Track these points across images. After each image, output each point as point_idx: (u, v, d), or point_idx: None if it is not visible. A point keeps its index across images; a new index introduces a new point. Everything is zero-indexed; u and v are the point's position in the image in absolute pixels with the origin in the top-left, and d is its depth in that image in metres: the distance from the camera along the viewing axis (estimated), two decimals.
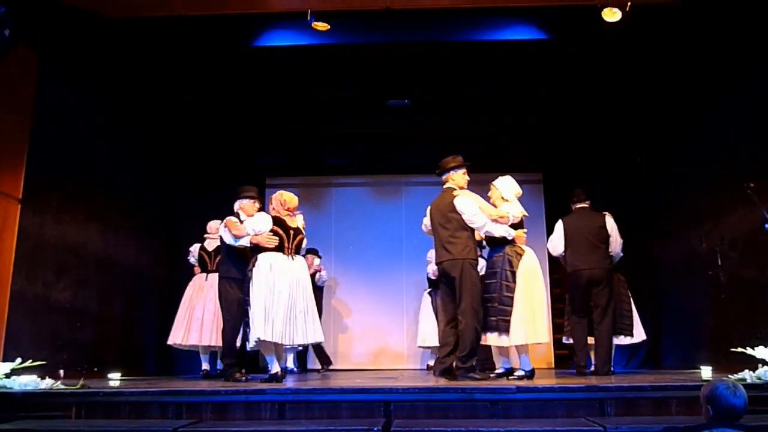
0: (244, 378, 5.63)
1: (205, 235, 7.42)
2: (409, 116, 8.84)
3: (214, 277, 6.85)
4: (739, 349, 4.76)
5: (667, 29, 6.45)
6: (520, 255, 5.63)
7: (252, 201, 5.97)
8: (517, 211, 5.73)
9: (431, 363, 8.45)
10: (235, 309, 5.78)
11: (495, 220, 5.52)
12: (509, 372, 5.74)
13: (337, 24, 6.22)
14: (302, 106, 8.64)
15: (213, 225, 7.28)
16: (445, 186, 5.76)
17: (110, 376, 6.44)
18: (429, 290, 8.50)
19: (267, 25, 6.84)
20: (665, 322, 8.21)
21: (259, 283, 5.32)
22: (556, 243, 6.44)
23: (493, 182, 5.96)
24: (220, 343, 6.61)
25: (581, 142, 9.13)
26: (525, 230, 5.88)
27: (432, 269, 8.33)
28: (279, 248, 5.50)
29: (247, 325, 5.32)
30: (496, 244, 5.69)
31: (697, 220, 7.19)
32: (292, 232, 5.63)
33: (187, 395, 4.23)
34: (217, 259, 6.84)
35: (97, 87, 7.00)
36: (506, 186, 5.88)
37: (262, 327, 5.20)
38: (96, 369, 6.59)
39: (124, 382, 5.69)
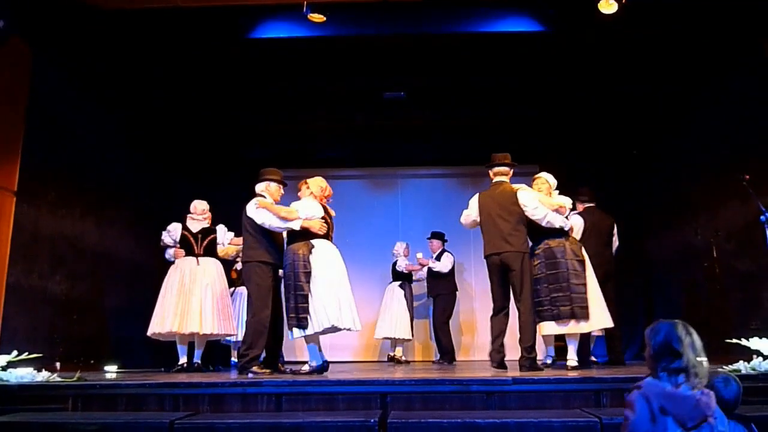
0: (265, 371, 5.30)
1: (189, 216, 6.91)
2: (405, 109, 8.83)
3: (205, 261, 6.67)
4: (734, 340, 4.79)
5: (663, 22, 6.45)
6: (580, 247, 5.74)
7: (279, 185, 5.90)
8: (569, 202, 5.86)
9: (392, 354, 8.55)
10: (269, 296, 5.49)
11: (556, 210, 5.62)
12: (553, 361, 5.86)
13: (333, 16, 6.19)
14: (298, 98, 8.61)
15: (199, 206, 6.94)
16: (495, 179, 5.87)
17: (107, 368, 6.44)
18: (400, 283, 8.55)
19: (262, 16, 6.80)
20: (660, 313, 8.24)
21: (321, 270, 5.33)
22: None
23: (540, 174, 6.04)
24: (222, 331, 6.53)
25: (577, 135, 9.13)
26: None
27: (404, 263, 8.44)
28: (325, 235, 5.53)
29: (292, 311, 5.26)
30: (553, 234, 5.69)
31: (692, 213, 7.22)
32: (331, 220, 5.71)
33: (184, 387, 4.24)
34: (205, 242, 6.72)
35: (92, 79, 6.97)
36: (552, 178, 5.97)
37: (336, 314, 5.24)
38: (92, 361, 6.60)
39: (121, 375, 5.69)
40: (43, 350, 5.18)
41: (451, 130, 9.40)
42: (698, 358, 2.58)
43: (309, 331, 5.24)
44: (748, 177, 4.95)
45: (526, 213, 5.58)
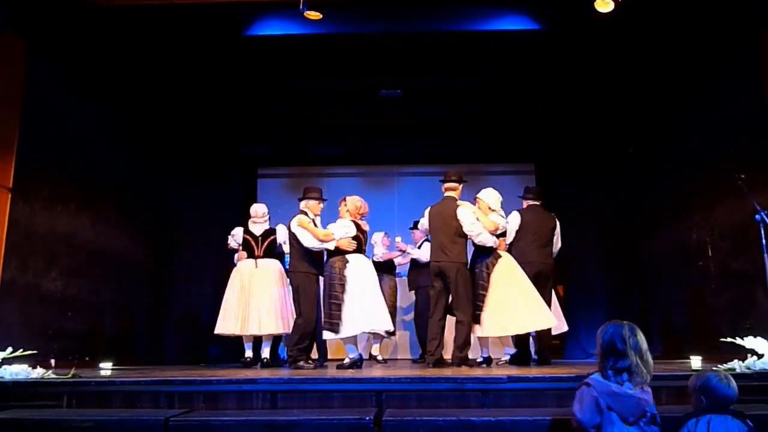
0: (312, 365, 5.95)
1: (251, 220, 7.08)
2: (402, 107, 8.83)
3: (264, 263, 6.89)
4: (729, 339, 4.80)
5: (659, 21, 6.46)
6: (497, 259, 6.11)
7: (318, 202, 6.36)
8: (503, 221, 6.28)
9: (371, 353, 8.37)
10: (314, 301, 6.10)
11: (492, 231, 6.03)
12: (488, 360, 6.16)
13: (330, 13, 6.19)
14: (294, 95, 8.61)
15: (260, 209, 7.10)
16: (446, 194, 6.28)
17: (101, 365, 6.39)
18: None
19: (259, 13, 6.80)
20: (655, 312, 8.26)
21: (354, 282, 6.02)
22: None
23: (479, 195, 6.35)
24: (281, 331, 6.76)
25: (573, 133, 9.14)
26: (504, 238, 6.36)
27: (381, 252, 8.22)
28: (357, 249, 6.19)
29: (330, 317, 5.93)
30: (483, 252, 6.13)
31: (687, 211, 7.23)
32: (364, 235, 6.33)
33: (179, 385, 4.23)
34: (265, 244, 6.91)
35: (88, 75, 6.96)
36: (492, 197, 6.28)
37: (363, 321, 6.00)
38: (87, 358, 6.58)
39: (116, 372, 5.67)
40: (38, 347, 5.15)
41: (448, 128, 9.40)
42: (641, 359, 2.77)
43: (340, 336, 5.97)
44: (743, 176, 4.97)
45: (463, 228, 5.98)
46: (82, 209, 6.78)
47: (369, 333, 6.71)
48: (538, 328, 6.14)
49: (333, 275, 6.04)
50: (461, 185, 6.34)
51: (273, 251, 7.00)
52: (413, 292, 8.14)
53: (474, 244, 6.12)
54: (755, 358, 4.35)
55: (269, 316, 6.71)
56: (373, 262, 8.29)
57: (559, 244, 6.79)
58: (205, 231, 8.86)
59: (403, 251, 8.13)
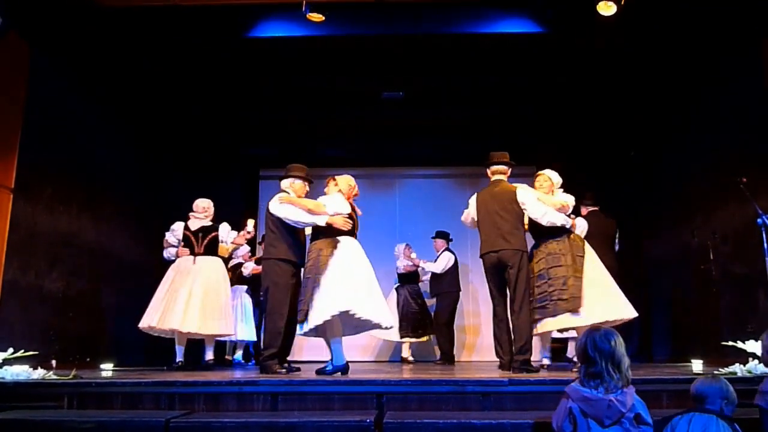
0: (284, 371, 5.34)
1: (191, 214, 6.85)
2: (403, 109, 8.83)
3: (202, 260, 6.61)
4: (730, 343, 4.80)
5: (661, 23, 6.46)
6: (579, 239, 5.70)
7: (304, 182, 5.80)
8: (571, 200, 5.76)
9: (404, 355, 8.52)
10: (288, 294, 5.39)
11: (559, 209, 5.54)
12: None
13: (332, 15, 6.19)
14: (296, 97, 8.61)
15: (201, 203, 6.89)
16: (495, 177, 5.80)
17: (102, 366, 6.43)
18: (397, 285, 8.55)
19: (261, 15, 6.80)
20: (656, 315, 8.25)
21: (342, 263, 5.19)
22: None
23: (543, 171, 5.95)
24: (207, 332, 6.43)
25: (575, 136, 9.14)
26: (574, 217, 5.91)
27: (404, 264, 8.37)
28: (350, 232, 5.46)
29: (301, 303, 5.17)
30: (554, 233, 5.63)
31: (689, 214, 7.22)
32: (356, 220, 5.65)
33: (180, 386, 4.23)
34: (206, 240, 6.67)
35: (90, 76, 6.97)
36: (556, 176, 5.91)
37: (346, 298, 5.04)
38: (88, 359, 6.59)
39: (117, 373, 5.68)
40: (39, 348, 5.16)
41: (450, 130, 9.41)
42: (613, 364, 2.78)
43: (308, 326, 5.07)
44: (745, 180, 4.96)
45: (526, 212, 5.55)
46: (83, 210, 6.79)
47: (371, 333, 6.03)
48: (628, 317, 5.63)
49: (319, 260, 5.19)
50: (510, 169, 5.86)
51: (214, 249, 6.74)
52: (435, 298, 8.29)
53: (536, 228, 5.65)
54: (756, 361, 4.35)
55: (197, 312, 6.29)
56: (397, 273, 8.47)
57: (618, 246, 6.81)
58: None
59: (417, 266, 8.28)
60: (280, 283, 5.39)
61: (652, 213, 8.41)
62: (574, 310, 5.36)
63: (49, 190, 6.14)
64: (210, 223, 6.85)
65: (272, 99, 8.62)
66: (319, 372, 5.12)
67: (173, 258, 6.79)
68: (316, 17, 6.08)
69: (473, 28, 6.92)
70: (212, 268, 6.67)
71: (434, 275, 8.19)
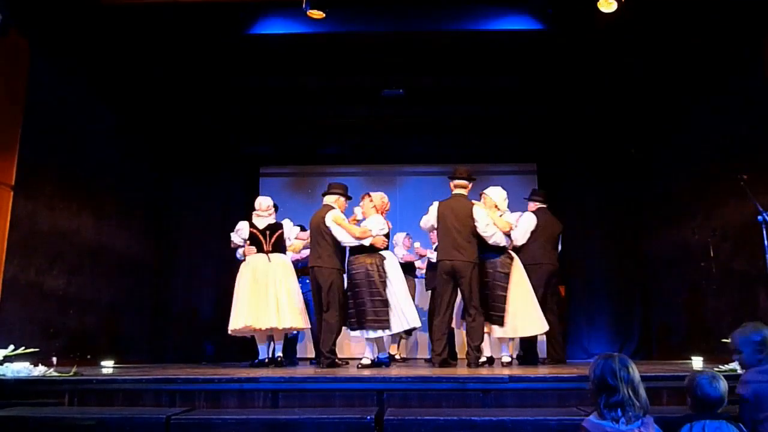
0: (344, 363, 6.00)
1: (254, 213, 6.81)
2: (404, 106, 8.82)
3: (275, 257, 6.63)
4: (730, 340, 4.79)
5: (662, 21, 6.45)
6: (512, 260, 6.16)
7: (345, 200, 6.51)
8: (512, 221, 6.26)
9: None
10: (342, 298, 6.10)
11: (506, 232, 6.07)
12: (491, 360, 6.30)
13: (333, 12, 6.18)
14: (296, 95, 8.60)
15: (264, 202, 6.85)
16: (456, 191, 6.20)
17: (103, 363, 6.43)
18: None
19: (261, 12, 6.79)
20: (656, 312, 8.26)
21: (393, 278, 6.01)
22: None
23: (486, 191, 6.34)
24: (304, 326, 6.67)
25: (575, 133, 9.14)
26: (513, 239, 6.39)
27: (402, 254, 8.29)
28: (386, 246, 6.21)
29: (371, 314, 5.88)
30: (493, 251, 6.10)
31: (689, 212, 7.23)
32: (388, 232, 6.32)
33: (181, 383, 4.23)
34: (273, 238, 6.67)
35: (90, 74, 6.97)
36: (499, 195, 6.27)
37: (413, 316, 5.97)
38: (89, 356, 6.59)
39: (117, 370, 5.68)
40: (40, 345, 5.17)
41: (450, 127, 9.41)
42: (633, 392, 2.71)
43: (391, 331, 5.98)
44: (745, 177, 4.96)
45: (477, 229, 5.95)
46: (83, 207, 6.79)
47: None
48: (540, 332, 6.22)
49: (371, 272, 5.94)
50: (471, 183, 6.25)
51: (281, 246, 6.77)
52: (430, 292, 8.23)
53: (481, 242, 6.04)
54: None
55: (287, 308, 6.43)
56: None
57: (559, 248, 6.90)
58: (207, 230, 8.86)
59: (423, 256, 8.24)
60: (340, 290, 6.13)
61: (652, 211, 8.41)
62: (496, 323, 6.00)
63: (49, 188, 6.15)
64: (274, 221, 6.83)
65: (272, 96, 8.61)
66: (366, 365, 5.92)
67: (242, 258, 6.78)
68: (316, 14, 6.07)
69: (474, 25, 6.91)
70: (285, 264, 6.73)
71: (432, 269, 8.12)
